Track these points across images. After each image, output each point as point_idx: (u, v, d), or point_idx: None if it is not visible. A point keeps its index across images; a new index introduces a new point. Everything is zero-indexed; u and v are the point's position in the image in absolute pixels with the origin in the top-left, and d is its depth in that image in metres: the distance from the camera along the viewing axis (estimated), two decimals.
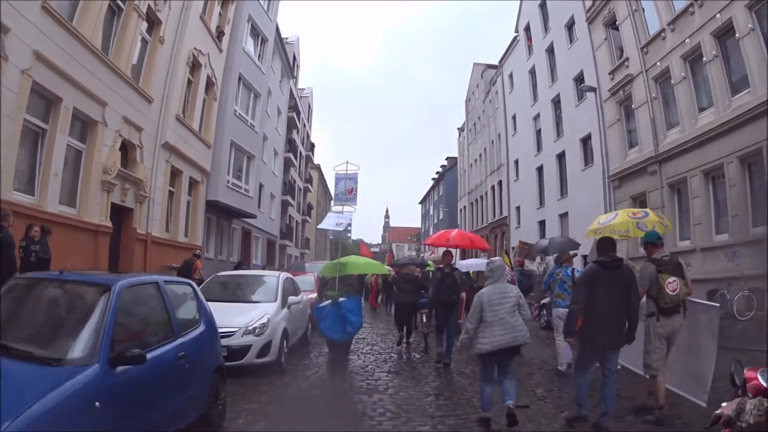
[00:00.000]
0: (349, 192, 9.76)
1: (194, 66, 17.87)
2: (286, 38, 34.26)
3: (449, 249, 9.99)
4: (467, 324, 5.82)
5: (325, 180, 74.19)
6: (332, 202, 11.34)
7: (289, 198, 37.90)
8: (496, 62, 40.80)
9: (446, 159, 68.88)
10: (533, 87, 32.07)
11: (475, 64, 48.97)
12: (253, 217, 24.41)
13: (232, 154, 22.00)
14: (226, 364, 6.14)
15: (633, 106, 19.34)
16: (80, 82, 11.09)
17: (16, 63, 9.08)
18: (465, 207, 51.49)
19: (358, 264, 10.23)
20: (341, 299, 8.48)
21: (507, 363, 5.52)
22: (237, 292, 9.55)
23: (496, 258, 6.56)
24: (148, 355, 3.88)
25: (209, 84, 19.61)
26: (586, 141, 24.33)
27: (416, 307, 10.93)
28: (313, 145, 53.32)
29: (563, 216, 26.97)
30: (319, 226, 10.96)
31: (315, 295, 10.95)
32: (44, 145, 10.47)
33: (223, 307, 7.84)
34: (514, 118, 35.95)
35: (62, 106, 10.65)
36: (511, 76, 36.76)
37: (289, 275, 11.22)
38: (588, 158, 24.23)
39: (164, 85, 15.59)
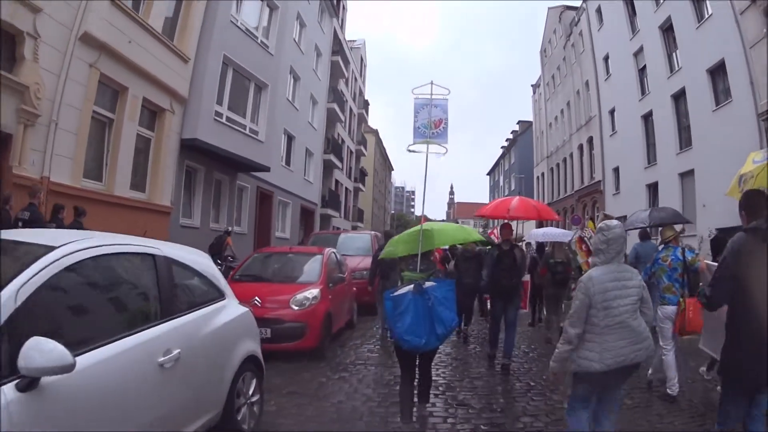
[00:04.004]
0: (436, 124, 6.37)
1: None
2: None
3: (508, 222, 8.99)
4: (568, 329, 3.82)
5: (383, 147, 69.54)
6: (408, 146, 6.49)
7: (333, 158, 32.57)
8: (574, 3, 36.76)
9: (518, 123, 63.54)
10: (630, 16, 27.48)
11: (549, 8, 44.60)
12: (265, 169, 18.54)
13: (229, 75, 16.23)
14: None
15: None
16: None
17: None
18: (543, 173, 46.75)
19: (448, 232, 6.76)
20: (427, 283, 5.18)
21: (615, 390, 3.97)
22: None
23: (614, 222, 4.04)
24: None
25: None
26: (716, 71, 19.59)
27: (479, 290, 9.80)
28: (366, 103, 47.85)
29: (686, 175, 21.73)
30: (410, 147, 6.29)
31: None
32: None
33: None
34: (606, 59, 31.63)
35: None
36: (598, 10, 32.25)
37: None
38: (721, 94, 19.49)
39: None
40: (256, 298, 7.55)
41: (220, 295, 4.56)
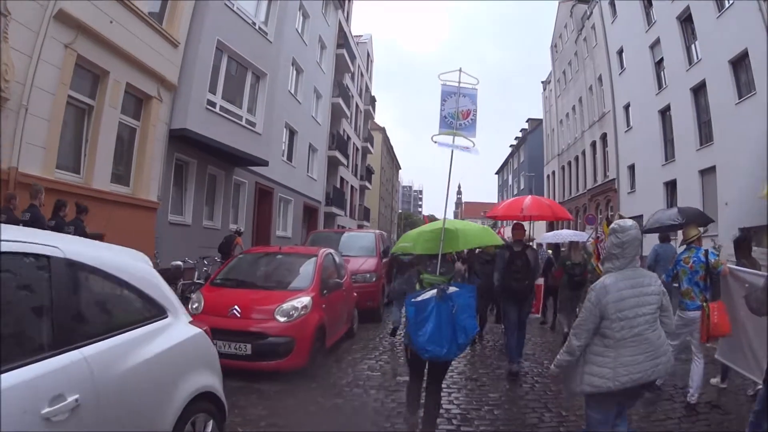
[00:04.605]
0: (464, 115, 5.77)
1: None
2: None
3: (520, 222, 8.46)
4: (572, 340, 3.55)
5: (390, 145, 68.66)
6: (433, 136, 5.89)
7: (338, 154, 31.64)
8: None
9: (527, 121, 62.04)
10: (645, 7, 26.35)
11: (561, 2, 43.33)
12: (264, 164, 17.53)
13: (223, 62, 15.27)
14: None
15: None
16: None
17: None
18: (554, 172, 45.40)
19: (474, 234, 5.98)
20: (450, 288, 4.70)
21: (629, 405, 3.86)
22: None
23: (628, 221, 3.77)
24: None
25: None
26: (739, 62, 18.47)
27: (492, 294, 8.92)
28: (373, 99, 46.81)
29: (707, 172, 20.53)
30: (435, 137, 5.67)
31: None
32: None
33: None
34: (620, 52, 30.41)
35: None
36: (612, 3, 31.09)
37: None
38: (744, 85, 18.36)
39: None
40: (236, 307, 6.66)
41: (159, 313, 3.42)
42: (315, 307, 7.07)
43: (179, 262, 10.89)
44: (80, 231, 7.83)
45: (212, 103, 14.64)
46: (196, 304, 6.93)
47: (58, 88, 9.63)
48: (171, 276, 10.51)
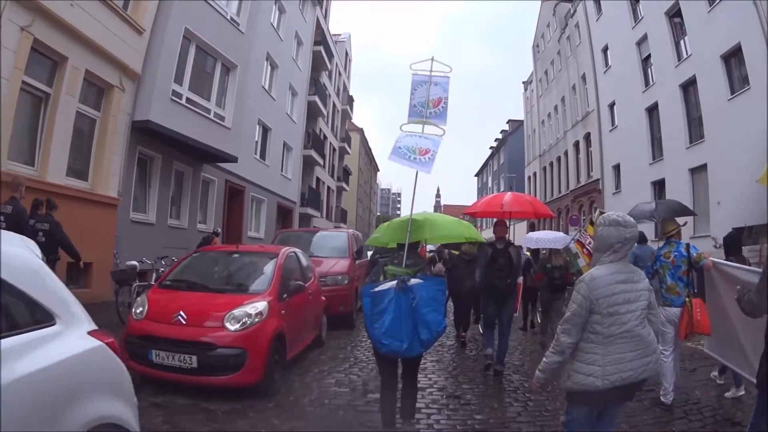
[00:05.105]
0: (435, 103, 5.61)
1: None
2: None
3: (503, 219, 8.29)
4: (561, 337, 3.36)
5: (369, 147, 67.85)
6: (402, 126, 5.66)
7: (314, 154, 30.43)
8: None
9: (507, 122, 61.71)
10: (633, 3, 25.88)
11: (543, 1, 42.92)
12: (233, 160, 16.29)
13: (191, 52, 14.10)
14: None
15: None
16: None
17: None
18: (535, 173, 44.91)
19: (443, 226, 5.79)
20: (413, 280, 4.57)
21: (617, 409, 3.55)
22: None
23: (628, 217, 3.55)
24: None
25: None
26: (731, 57, 17.97)
27: (477, 295, 8.75)
28: (351, 99, 45.73)
29: (697, 170, 20.09)
30: (390, 156, 5.30)
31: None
32: None
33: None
34: (605, 50, 29.95)
35: None
36: (597, 0, 30.64)
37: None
38: (737, 81, 17.89)
39: None
40: (181, 312, 5.63)
41: (43, 319, 2.55)
42: (272, 314, 6.15)
43: (135, 262, 9.79)
44: (53, 227, 7.66)
45: (178, 95, 13.54)
46: (140, 309, 6.01)
47: (12, 72, 8.95)
48: (126, 277, 9.51)
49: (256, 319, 5.83)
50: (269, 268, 6.93)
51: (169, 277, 6.90)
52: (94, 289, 10.65)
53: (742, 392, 5.93)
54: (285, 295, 6.69)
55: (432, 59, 5.62)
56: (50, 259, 7.76)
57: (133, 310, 6.10)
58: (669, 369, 5.62)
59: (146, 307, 5.95)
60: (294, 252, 8.22)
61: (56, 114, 10.20)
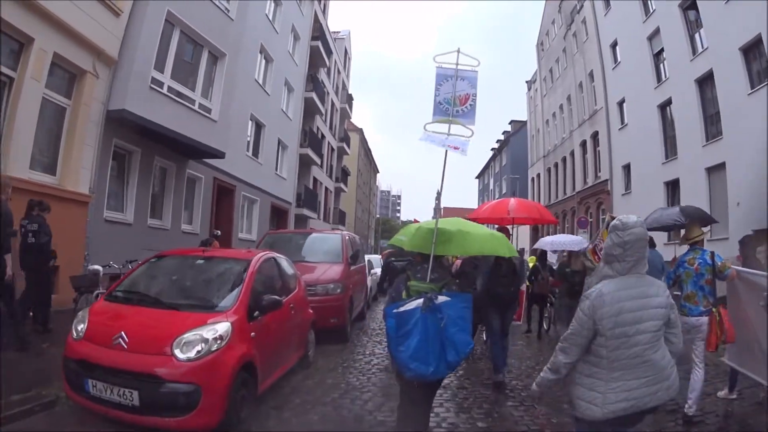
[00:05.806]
0: (462, 100, 5.42)
1: None
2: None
3: (505, 226, 8.87)
4: (559, 355, 3.23)
5: (368, 148, 66.95)
6: (426, 125, 5.06)
7: (311, 153, 29.45)
8: None
9: (510, 123, 60.56)
10: None
11: (548, 0, 42.03)
12: (219, 155, 15.20)
13: (174, 37, 12.99)
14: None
15: None
16: None
17: None
18: (539, 174, 43.67)
19: (474, 238, 4.94)
20: (440, 297, 4.20)
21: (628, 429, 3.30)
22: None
23: (632, 218, 3.27)
24: None
25: None
26: (751, 49, 17.02)
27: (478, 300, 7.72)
28: (350, 98, 44.77)
29: (715, 170, 18.91)
30: (428, 126, 5.01)
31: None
32: None
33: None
34: (614, 45, 28.83)
35: None
36: None
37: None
38: (757, 74, 16.94)
39: None
40: (122, 333, 4.49)
41: None
42: (237, 338, 4.95)
43: (98, 267, 8.73)
44: (43, 228, 7.63)
45: (158, 83, 12.43)
46: (81, 326, 4.88)
47: None
48: (87, 283, 8.47)
49: (215, 346, 4.65)
50: (239, 278, 5.70)
51: (120, 287, 5.66)
52: (60, 295, 9.57)
53: (734, 396, 6.08)
54: (256, 313, 5.49)
55: (458, 51, 5.31)
56: (44, 270, 7.64)
57: (73, 326, 4.94)
58: (699, 381, 5.43)
59: (86, 324, 4.82)
60: (273, 258, 7.00)
61: (19, 100, 9.19)
